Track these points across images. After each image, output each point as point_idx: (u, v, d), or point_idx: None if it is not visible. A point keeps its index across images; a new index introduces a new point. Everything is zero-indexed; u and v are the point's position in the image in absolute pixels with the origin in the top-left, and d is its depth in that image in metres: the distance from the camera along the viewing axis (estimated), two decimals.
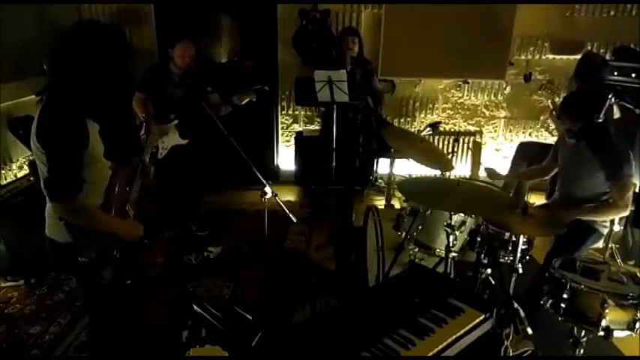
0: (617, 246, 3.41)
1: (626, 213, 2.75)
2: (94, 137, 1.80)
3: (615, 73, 4.19)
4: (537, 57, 5.08)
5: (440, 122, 4.67)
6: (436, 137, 5.15)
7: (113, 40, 1.80)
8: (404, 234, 2.84)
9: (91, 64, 1.73)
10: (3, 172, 3.97)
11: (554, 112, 4.21)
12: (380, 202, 4.73)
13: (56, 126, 1.72)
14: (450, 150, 4.80)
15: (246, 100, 3.87)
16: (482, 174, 5.16)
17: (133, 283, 2.11)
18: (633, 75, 4.07)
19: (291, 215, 3.44)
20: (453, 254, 2.63)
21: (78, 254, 1.89)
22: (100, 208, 1.92)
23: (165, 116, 3.75)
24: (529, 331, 2.37)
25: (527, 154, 4.55)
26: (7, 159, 4.01)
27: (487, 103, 5.29)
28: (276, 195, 3.38)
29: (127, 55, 1.89)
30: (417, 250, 2.84)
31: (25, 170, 4.05)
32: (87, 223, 1.86)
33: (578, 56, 4.86)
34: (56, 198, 1.80)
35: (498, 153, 5.43)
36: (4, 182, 3.82)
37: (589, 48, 4.99)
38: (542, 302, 2.39)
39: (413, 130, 5.18)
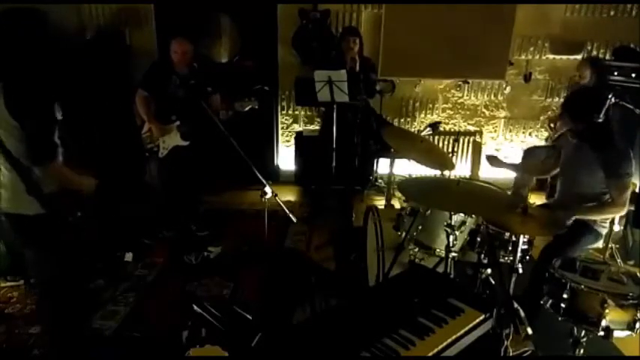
0: (617, 246, 3.41)
1: (624, 212, 2.76)
2: None
3: (615, 73, 4.20)
4: (537, 57, 5.08)
5: (440, 122, 4.68)
6: (436, 137, 5.15)
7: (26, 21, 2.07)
8: (404, 234, 2.84)
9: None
10: None
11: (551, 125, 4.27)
12: (380, 202, 4.73)
13: (28, 100, 1.97)
14: (450, 150, 4.81)
15: (248, 107, 3.86)
16: (482, 174, 5.18)
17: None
18: (633, 75, 4.08)
19: (291, 215, 3.43)
20: (453, 254, 2.62)
21: (58, 219, 2.08)
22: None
23: (167, 116, 3.75)
24: (529, 331, 2.37)
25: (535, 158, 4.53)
26: None
27: (487, 103, 5.29)
28: (276, 195, 3.37)
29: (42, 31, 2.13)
30: (417, 250, 2.84)
31: None
32: (63, 181, 2.09)
33: (579, 56, 4.89)
34: (42, 160, 2.00)
35: (498, 153, 5.42)
36: None
37: (589, 48, 4.99)
38: (542, 302, 2.39)
39: (413, 130, 5.18)
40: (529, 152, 4.67)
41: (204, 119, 3.44)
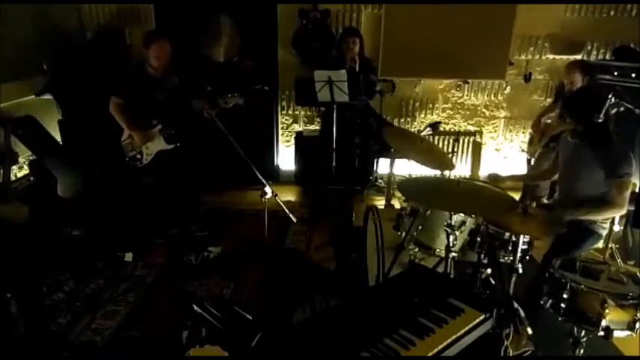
0: (617, 246, 3.41)
1: (623, 212, 2.76)
2: None
3: (615, 73, 4.20)
4: (537, 57, 5.08)
5: (440, 122, 4.66)
6: (436, 137, 5.15)
7: None
8: (404, 234, 2.84)
9: None
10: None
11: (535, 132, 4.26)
12: (380, 202, 4.73)
13: None
14: (450, 150, 4.80)
15: (232, 103, 3.65)
16: (482, 174, 5.17)
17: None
18: (633, 75, 4.07)
19: (291, 215, 3.44)
20: (453, 254, 2.63)
21: None
22: None
23: (148, 121, 3.63)
24: (529, 331, 2.37)
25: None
26: None
27: (487, 103, 5.29)
28: (276, 195, 3.38)
29: None
30: (417, 250, 2.84)
31: (25, 170, 4.05)
32: None
33: (579, 56, 4.88)
34: None
35: (498, 153, 5.43)
36: None
37: (589, 48, 4.99)
38: (542, 302, 2.39)
39: (413, 130, 5.18)
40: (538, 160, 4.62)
41: (188, 121, 3.38)
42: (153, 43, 3.54)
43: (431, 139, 4.20)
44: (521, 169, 4.81)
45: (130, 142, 3.68)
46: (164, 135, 3.64)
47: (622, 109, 3.74)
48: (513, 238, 2.54)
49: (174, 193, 3.88)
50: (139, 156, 3.68)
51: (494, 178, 3.19)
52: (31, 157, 3.98)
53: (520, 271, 2.49)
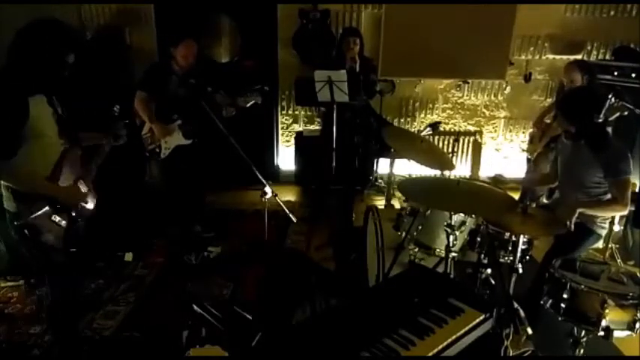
0: (617, 246, 3.41)
1: (626, 211, 2.76)
2: (38, 112, 2.05)
3: (615, 73, 4.20)
4: (537, 57, 5.08)
5: (440, 122, 4.66)
6: (436, 137, 5.15)
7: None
8: (404, 234, 2.84)
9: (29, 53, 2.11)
10: None
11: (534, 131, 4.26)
12: (380, 202, 4.73)
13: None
14: (450, 150, 4.81)
15: (251, 103, 3.84)
16: (482, 174, 5.18)
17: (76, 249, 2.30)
18: (633, 75, 4.08)
19: (291, 215, 3.43)
20: (453, 254, 2.63)
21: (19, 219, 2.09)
22: (47, 179, 2.14)
23: (169, 116, 3.73)
24: (529, 331, 2.37)
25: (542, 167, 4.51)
26: None
27: (487, 103, 5.29)
28: (276, 195, 3.37)
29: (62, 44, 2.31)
30: (417, 250, 2.84)
31: None
32: (27, 187, 2.08)
33: (579, 56, 4.89)
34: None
35: (498, 153, 5.43)
36: None
37: (589, 48, 4.99)
38: (542, 302, 2.39)
39: (413, 130, 5.18)
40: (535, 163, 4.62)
41: (206, 119, 3.43)
42: (181, 42, 3.65)
43: (431, 139, 4.19)
44: (522, 168, 4.81)
45: (150, 136, 3.76)
46: (182, 130, 3.72)
47: (626, 112, 3.74)
48: (513, 238, 2.54)
49: (181, 192, 3.90)
50: (157, 149, 3.76)
51: (497, 180, 3.19)
52: None
53: (520, 271, 2.49)
